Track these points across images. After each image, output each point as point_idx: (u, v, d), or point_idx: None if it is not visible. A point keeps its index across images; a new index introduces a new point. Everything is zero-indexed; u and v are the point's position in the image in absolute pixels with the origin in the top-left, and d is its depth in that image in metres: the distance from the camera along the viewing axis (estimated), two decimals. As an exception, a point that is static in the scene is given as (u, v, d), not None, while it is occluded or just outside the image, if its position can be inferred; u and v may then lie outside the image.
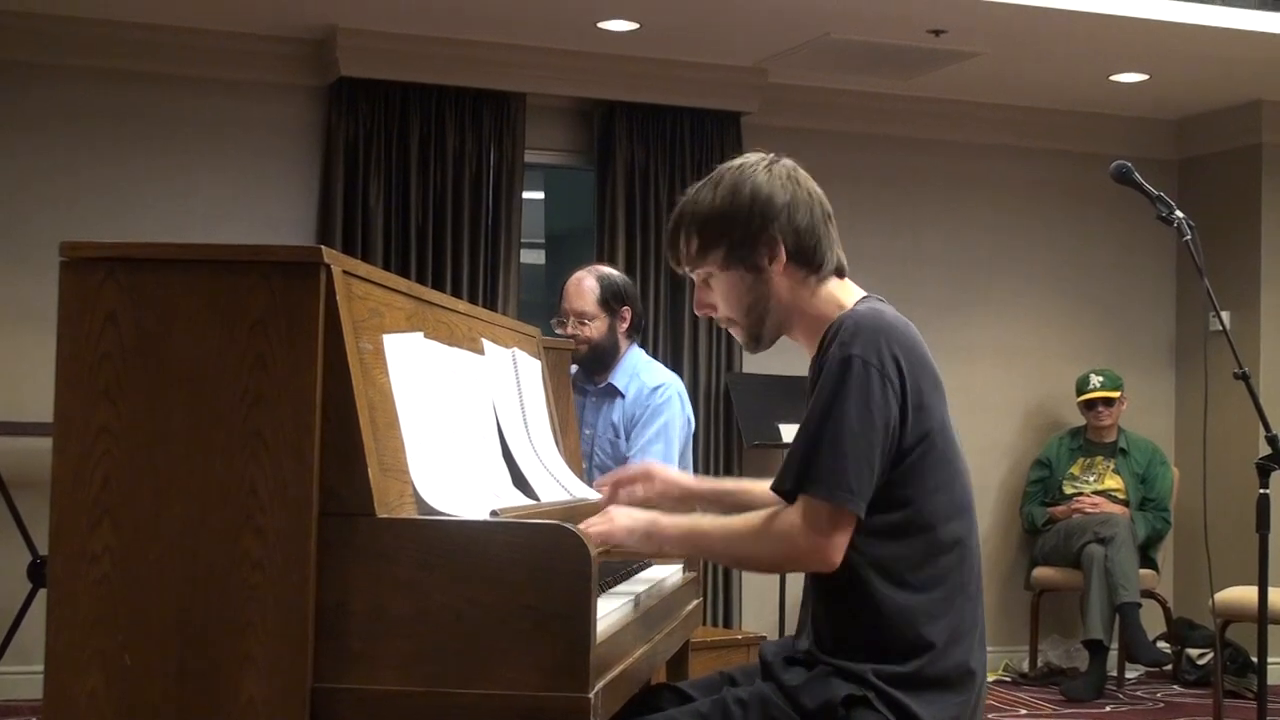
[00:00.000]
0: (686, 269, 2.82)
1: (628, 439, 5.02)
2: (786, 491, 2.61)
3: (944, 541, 2.65)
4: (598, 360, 5.03)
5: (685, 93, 7.54)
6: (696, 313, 2.89)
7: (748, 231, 2.72)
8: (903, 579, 2.61)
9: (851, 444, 2.53)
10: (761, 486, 3.14)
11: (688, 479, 3.15)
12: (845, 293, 2.79)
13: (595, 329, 4.99)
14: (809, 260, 2.75)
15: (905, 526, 2.61)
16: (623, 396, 5.06)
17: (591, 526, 2.60)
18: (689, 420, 5.10)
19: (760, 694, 2.66)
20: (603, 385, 5.06)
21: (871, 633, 2.63)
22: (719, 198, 2.74)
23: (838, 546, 2.54)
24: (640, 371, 5.09)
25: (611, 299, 5.04)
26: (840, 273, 2.80)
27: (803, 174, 2.80)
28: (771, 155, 2.81)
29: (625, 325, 5.07)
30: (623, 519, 2.69)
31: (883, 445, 2.57)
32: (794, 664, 2.71)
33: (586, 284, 5.06)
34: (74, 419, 2.21)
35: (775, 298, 2.75)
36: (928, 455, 2.63)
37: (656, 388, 5.03)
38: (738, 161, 2.80)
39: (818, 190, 2.80)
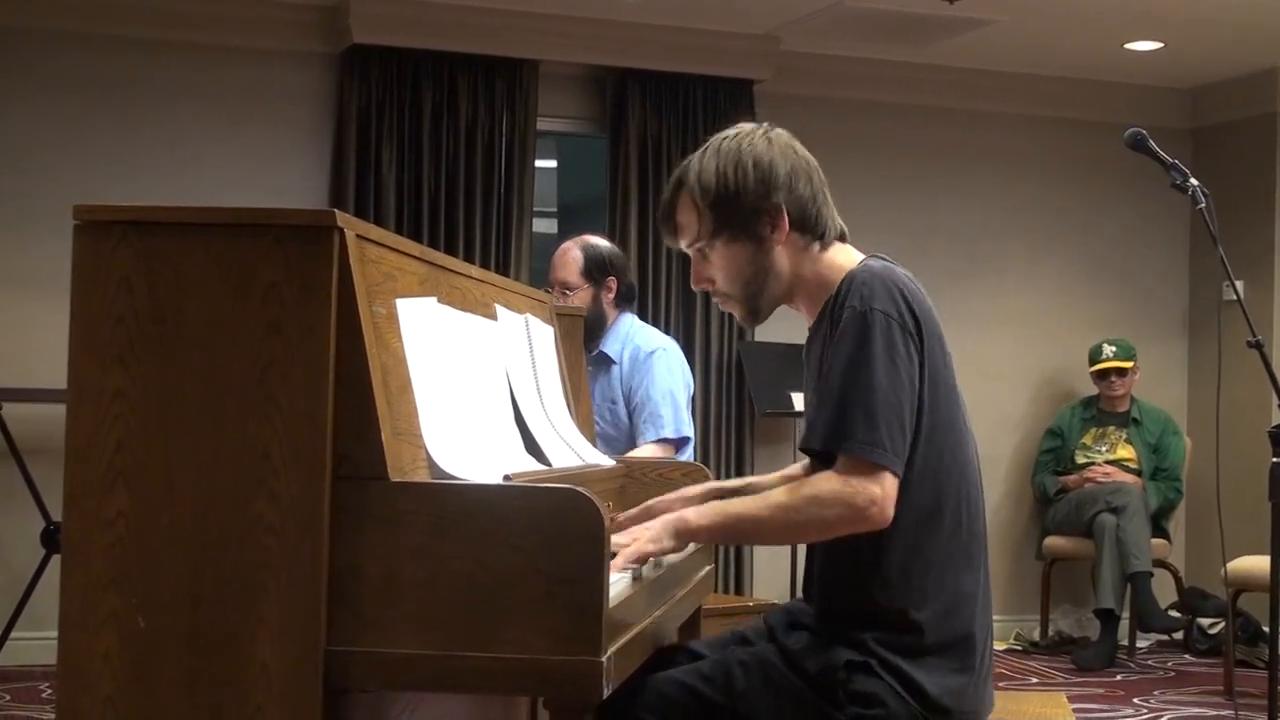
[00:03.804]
0: (684, 243, 2.79)
1: (628, 406, 5.03)
2: (816, 451, 2.60)
3: (945, 505, 2.65)
4: (584, 330, 5.04)
5: (698, 60, 7.52)
6: (694, 288, 2.86)
7: (751, 202, 2.71)
8: (902, 544, 2.61)
9: (883, 400, 2.52)
10: (774, 477, 3.13)
11: (691, 491, 3.07)
12: (847, 256, 2.78)
13: (579, 299, 5.00)
14: (811, 228, 2.74)
15: (906, 490, 2.59)
16: (616, 363, 5.07)
17: (620, 553, 2.52)
18: (688, 384, 5.11)
19: (762, 657, 2.68)
20: (594, 354, 5.06)
21: (871, 599, 2.63)
22: (721, 169, 2.71)
23: (890, 501, 2.52)
24: (634, 336, 5.11)
25: (595, 269, 5.05)
26: (842, 238, 2.80)
27: (798, 142, 2.79)
28: (765, 124, 2.80)
29: (611, 295, 5.08)
30: (643, 533, 2.61)
31: (911, 401, 2.57)
32: (797, 628, 2.72)
33: (571, 254, 5.07)
34: (87, 383, 2.21)
35: (775, 268, 2.74)
36: (934, 417, 2.63)
37: (652, 351, 5.05)
38: (732, 132, 2.78)
39: (813, 159, 2.79)
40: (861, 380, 2.54)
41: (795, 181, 2.73)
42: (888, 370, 2.54)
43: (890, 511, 2.53)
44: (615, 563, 2.51)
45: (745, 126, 2.79)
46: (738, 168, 2.71)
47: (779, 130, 2.79)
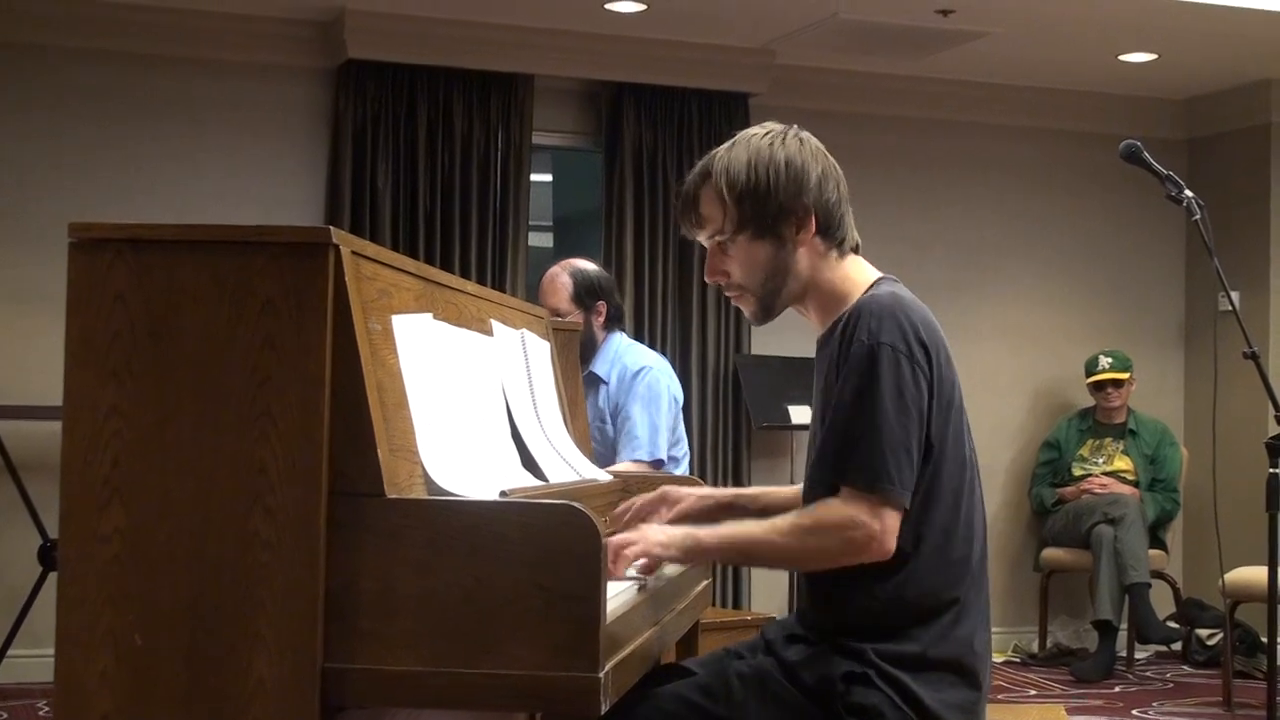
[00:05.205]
0: (704, 235, 2.78)
1: (614, 424, 5.04)
2: (824, 482, 2.61)
3: (947, 523, 2.65)
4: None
5: (693, 74, 7.53)
6: (707, 280, 2.84)
7: (781, 201, 2.70)
8: (903, 560, 2.61)
9: (889, 434, 2.53)
10: (786, 490, 3.14)
11: (708, 490, 3.11)
12: (861, 270, 2.78)
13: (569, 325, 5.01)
14: (833, 234, 2.75)
15: (912, 511, 2.60)
16: (605, 383, 5.10)
17: (627, 548, 2.56)
18: (675, 399, 5.12)
19: (761, 669, 2.68)
20: (585, 374, 5.07)
21: (871, 612, 2.63)
22: (752, 165, 2.70)
23: (890, 535, 2.54)
24: (622, 355, 5.13)
25: (585, 294, 5.06)
26: (856, 249, 2.80)
27: (825, 149, 2.80)
28: (794, 127, 2.79)
29: (600, 319, 5.11)
30: (656, 535, 2.63)
31: (918, 433, 2.58)
32: (795, 641, 2.72)
33: (560, 280, 5.09)
34: (83, 400, 2.21)
35: (795, 269, 2.74)
36: (941, 440, 2.63)
37: (637, 371, 5.07)
38: (761, 130, 2.77)
39: (839, 167, 2.80)
40: (869, 415, 2.55)
41: (825, 186, 2.73)
42: (895, 404, 2.55)
43: (891, 545, 2.55)
44: (626, 554, 2.53)
45: (775, 126, 2.78)
46: (770, 165, 2.70)
47: (808, 134, 2.78)
